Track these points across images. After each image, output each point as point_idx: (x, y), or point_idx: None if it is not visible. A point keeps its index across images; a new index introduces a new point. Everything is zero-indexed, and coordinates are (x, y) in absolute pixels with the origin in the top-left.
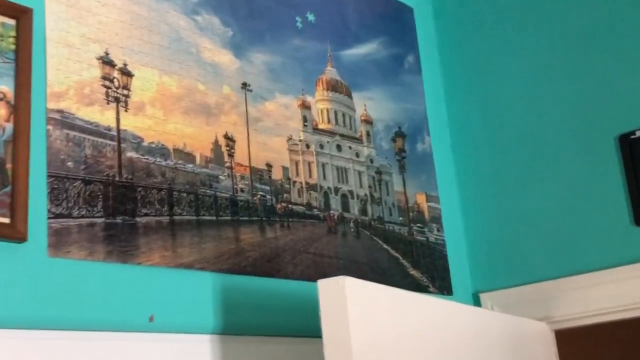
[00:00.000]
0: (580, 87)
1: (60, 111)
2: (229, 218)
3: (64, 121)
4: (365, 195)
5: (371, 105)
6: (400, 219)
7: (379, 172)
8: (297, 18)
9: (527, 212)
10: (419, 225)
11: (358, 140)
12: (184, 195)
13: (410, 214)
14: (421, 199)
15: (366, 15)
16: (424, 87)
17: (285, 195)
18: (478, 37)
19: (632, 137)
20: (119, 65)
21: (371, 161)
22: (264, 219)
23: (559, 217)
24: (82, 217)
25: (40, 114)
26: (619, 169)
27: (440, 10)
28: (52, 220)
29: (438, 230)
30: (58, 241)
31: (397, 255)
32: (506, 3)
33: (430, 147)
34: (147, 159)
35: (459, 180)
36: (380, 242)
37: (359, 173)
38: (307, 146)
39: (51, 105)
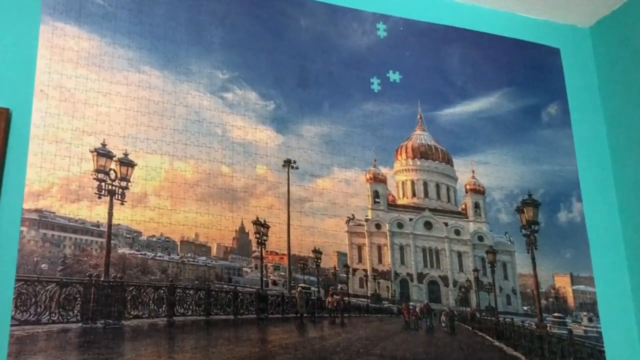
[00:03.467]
0: None
1: (38, 211)
2: (253, 316)
3: (42, 221)
4: (468, 281)
5: (484, 170)
6: (526, 308)
7: (491, 252)
8: (373, 80)
9: None
10: (557, 315)
11: (460, 214)
12: (191, 292)
13: (544, 301)
14: (563, 281)
15: (481, 65)
16: (573, 142)
17: (340, 286)
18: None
19: None
20: (118, 155)
21: (480, 239)
22: (305, 315)
23: None
24: (53, 322)
25: (14, 216)
26: None
27: (601, 49)
28: (15, 328)
29: (590, 320)
30: (20, 350)
31: (517, 354)
32: None
33: (581, 216)
34: (145, 254)
35: (628, 255)
36: (490, 338)
37: (459, 254)
38: (378, 226)
39: (28, 205)
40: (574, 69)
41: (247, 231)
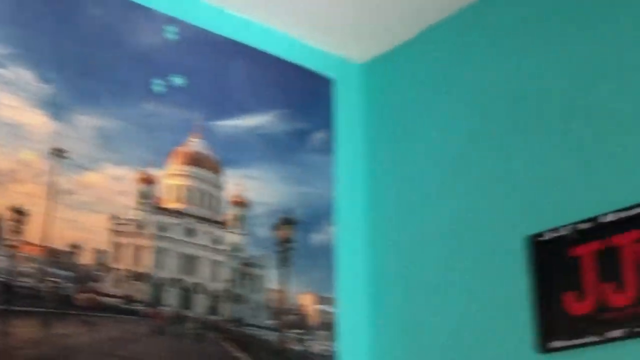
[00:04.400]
0: (492, 184)
1: None
2: None
3: None
4: (221, 290)
5: (251, 185)
6: (271, 322)
7: (246, 264)
8: (156, 81)
9: (434, 325)
10: (298, 331)
11: (221, 224)
12: None
13: (288, 317)
14: (307, 300)
15: (262, 83)
16: (334, 169)
17: (94, 284)
18: (407, 119)
19: (540, 239)
20: None
21: (237, 250)
22: (53, 310)
23: (462, 333)
24: None
25: None
26: (525, 277)
27: (371, 85)
28: None
29: (328, 340)
30: None
31: None
32: (438, 91)
33: (332, 239)
34: None
35: (369, 281)
36: (232, 348)
37: (216, 263)
38: (140, 227)
39: None
40: (344, 100)
41: (1, 217)
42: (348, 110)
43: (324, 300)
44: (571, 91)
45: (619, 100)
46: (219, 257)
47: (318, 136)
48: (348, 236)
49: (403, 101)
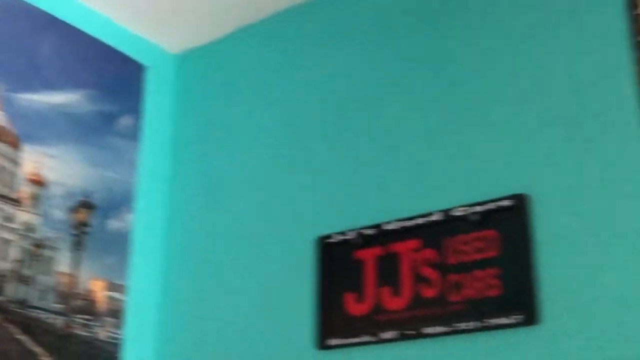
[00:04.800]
0: (289, 186)
1: None
2: None
3: None
4: (9, 270)
5: (51, 164)
6: (58, 306)
7: (38, 245)
8: None
9: (221, 319)
10: (84, 317)
11: (14, 201)
12: None
13: (77, 302)
14: (97, 286)
15: (72, 61)
16: (139, 156)
17: None
18: (216, 114)
19: (328, 241)
20: None
21: (30, 230)
22: None
23: (248, 327)
24: None
25: None
26: (311, 277)
27: (184, 76)
28: None
29: (115, 327)
30: None
31: (37, 350)
32: (246, 97)
33: (129, 227)
34: None
35: (162, 272)
36: (15, 330)
37: (5, 242)
38: None
39: None
40: (155, 88)
41: None
42: (158, 99)
43: (115, 287)
44: (365, 102)
45: (406, 114)
46: (9, 236)
47: (125, 121)
48: (145, 225)
49: (214, 96)
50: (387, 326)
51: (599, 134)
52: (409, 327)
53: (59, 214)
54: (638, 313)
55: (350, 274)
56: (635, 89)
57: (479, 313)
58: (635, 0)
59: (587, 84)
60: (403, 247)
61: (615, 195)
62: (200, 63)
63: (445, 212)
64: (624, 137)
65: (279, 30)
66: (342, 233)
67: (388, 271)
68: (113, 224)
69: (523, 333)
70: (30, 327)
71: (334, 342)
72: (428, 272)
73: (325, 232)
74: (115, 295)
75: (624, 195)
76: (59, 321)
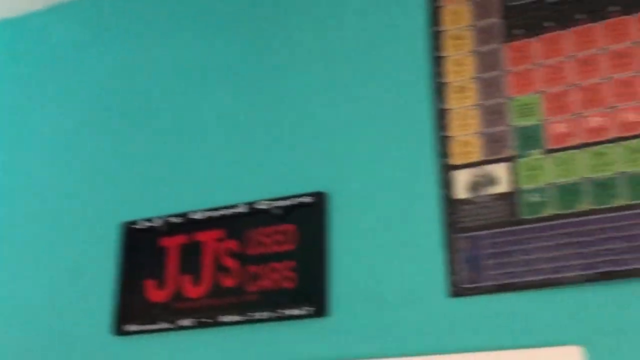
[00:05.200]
0: (96, 171)
1: None
2: None
3: None
4: None
5: None
6: None
7: None
8: None
9: (21, 302)
10: None
11: None
12: None
13: None
14: None
15: None
16: None
17: None
18: (24, 93)
19: (133, 227)
20: None
21: None
22: None
23: (43, 315)
24: None
25: None
26: (114, 262)
27: None
28: None
29: None
30: None
31: None
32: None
33: None
34: None
35: None
36: None
37: None
38: None
39: None
40: None
41: None
42: None
43: None
44: (175, 89)
45: (218, 105)
46: None
47: None
48: None
49: (24, 71)
50: (185, 314)
51: (396, 137)
52: (207, 315)
53: None
54: (421, 308)
55: (153, 261)
56: (430, 97)
57: (274, 304)
58: (436, 17)
59: (386, 89)
60: (207, 237)
61: (406, 196)
62: (11, 35)
63: (250, 204)
64: (418, 141)
65: (91, 10)
66: (148, 220)
67: (191, 259)
68: None
69: (313, 324)
70: None
71: (131, 328)
72: (229, 262)
73: (131, 218)
74: None
75: (414, 196)
76: None
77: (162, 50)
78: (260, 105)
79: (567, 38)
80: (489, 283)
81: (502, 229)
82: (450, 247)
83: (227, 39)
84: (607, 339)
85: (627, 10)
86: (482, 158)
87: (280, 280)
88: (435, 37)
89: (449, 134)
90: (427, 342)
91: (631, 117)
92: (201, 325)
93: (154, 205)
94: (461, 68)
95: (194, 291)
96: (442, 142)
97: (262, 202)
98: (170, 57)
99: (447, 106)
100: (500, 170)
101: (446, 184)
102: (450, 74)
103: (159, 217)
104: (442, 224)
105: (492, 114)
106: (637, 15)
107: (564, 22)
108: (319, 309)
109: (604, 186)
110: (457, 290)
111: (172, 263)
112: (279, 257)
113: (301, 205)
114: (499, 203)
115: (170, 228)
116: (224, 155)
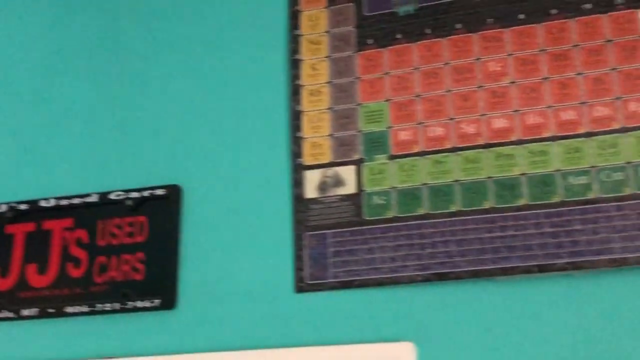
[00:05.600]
0: None
1: None
2: None
3: None
4: None
5: None
6: None
7: None
8: None
9: None
10: None
11: None
12: None
13: None
14: None
15: None
16: None
17: None
18: None
19: None
20: None
21: None
22: None
23: None
24: None
25: None
26: None
27: None
28: None
29: None
30: None
31: None
32: None
33: None
34: None
35: None
36: None
37: None
38: None
39: None
40: None
41: None
42: None
43: None
44: (34, 72)
45: (76, 91)
46: None
47: None
48: None
49: None
50: (29, 303)
51: (252, 135)
52: (51, 305)
53: None
54: (267, 303)
55: None
56: (287, 95)
57: (122, 295)
58: (295, 21)
59: (246, 87)
60: (56, 225)
61: (259, 193)
62: None
63: (102, 194)
64: (274, 140)
65: None
66: None
67: (38, 248)
68: None
69: (160, 316)
70: None
71: None
72: (78, 252)
73: None
74: None
75: (267, 193)
76: None
77: (11, 31)
78: (117, 95)
79: (415, 51)
80: (333, 280)
81: (347, 229)
82: (298, 244)
83: (82, 23)
84: (437, 335)
85: (471, 29)
86: (332, 160)
87: (129, 272)
88: (294, 41)
89: (303, 135)
90: (271, 336)
91: (468, 129)
92: (46, 315)
93: (1, 191)
94: (316, 72)
95: (39, 280)
96: (296, 142)
97: (115, 192)
98: (18, 39)
99: (301, 108)
100: (347, 173)
101: (297, 183)
102: (306, 77)
103: (5, 203)
104: (292, 221)
105: (343, 118)
106: (478, 33)
107: (414, 36)
108: (167, 302)
109: (441, 193)
110: (302, 286)
111: (18, 251)
112: (129, 248)
113: (154, 197)
114: (345, 204)
115: (17, 215)
116: (77, 144)
